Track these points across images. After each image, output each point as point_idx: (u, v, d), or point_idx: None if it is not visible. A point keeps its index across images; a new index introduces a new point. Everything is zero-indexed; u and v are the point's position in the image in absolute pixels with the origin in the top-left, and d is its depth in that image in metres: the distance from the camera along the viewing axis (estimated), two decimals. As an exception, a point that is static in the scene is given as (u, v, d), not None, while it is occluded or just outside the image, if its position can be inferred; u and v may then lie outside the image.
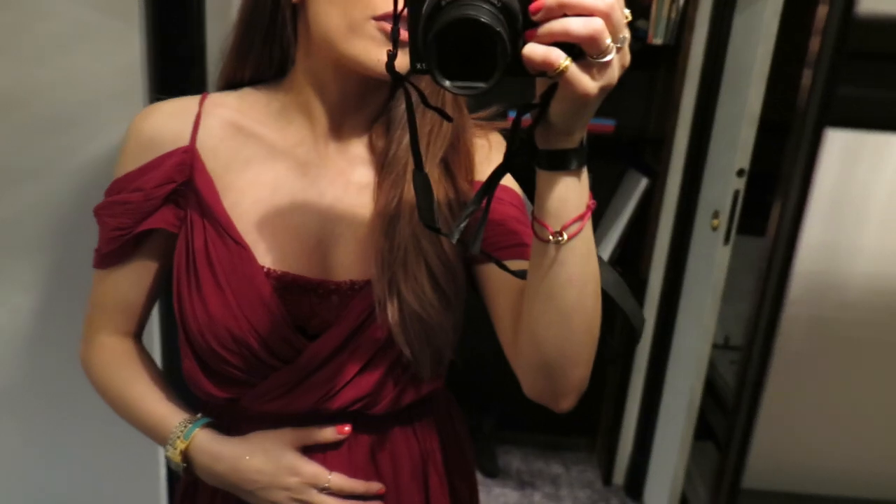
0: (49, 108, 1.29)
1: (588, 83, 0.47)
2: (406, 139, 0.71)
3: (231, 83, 0.78)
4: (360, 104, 0.73)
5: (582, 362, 0.62)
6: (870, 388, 1.59)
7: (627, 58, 0.49)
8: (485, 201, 0.55)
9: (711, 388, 2.22)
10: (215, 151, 0.73)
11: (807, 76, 1.42)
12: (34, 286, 1.26)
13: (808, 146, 1.44)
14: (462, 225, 0.55)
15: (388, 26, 0.63)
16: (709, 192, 1.92)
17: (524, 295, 0.61)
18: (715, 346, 1.95)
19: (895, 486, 1.66)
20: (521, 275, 0.62)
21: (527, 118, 0.53)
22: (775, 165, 2.33)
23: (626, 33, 0.48)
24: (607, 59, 0.46)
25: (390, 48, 0.63)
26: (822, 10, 1.39)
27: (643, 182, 2.09)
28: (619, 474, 2.35)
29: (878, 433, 1.63)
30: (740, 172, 1.74)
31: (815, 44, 1.39)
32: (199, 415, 0.78)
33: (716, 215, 1.82)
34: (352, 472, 0.77)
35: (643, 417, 2.23)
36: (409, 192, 0.70)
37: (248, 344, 0.70)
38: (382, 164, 0.73)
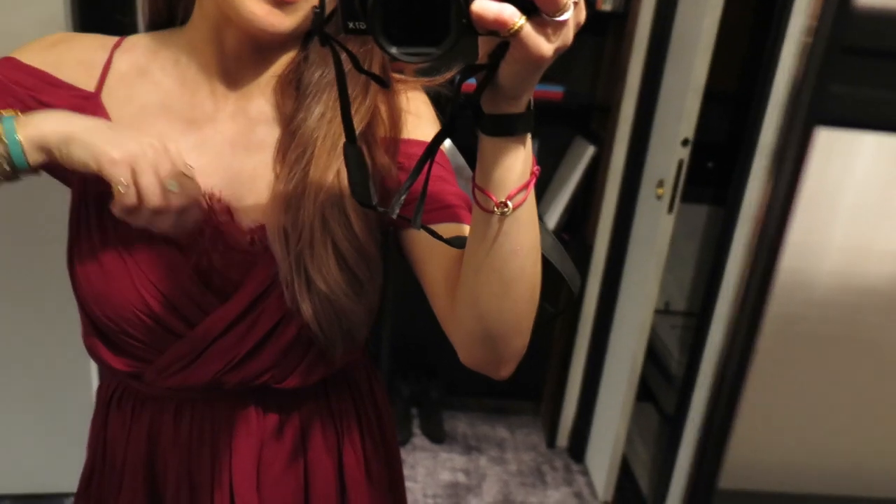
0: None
1: (543, 44, 0.43)
2: (317, 109, 0.66)
3: (154, 21, 0.73)
4: (258, 58, 0.69)
5: (524, 330, 0.60)
6: (835, 386, 1.61)
7: (583, 14, 0.45)
8: (424, 173, 0.50)
9: (652, 351, 2.29)
10: (118, 99, 0.69)
11: (798, 70, 1.33)
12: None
13: (796, 146, 1.36)
14: (401, 199, 0.51)
15: None
16: (654, 161, 1.95)
17: (464, 266, 0.57)
18: (656, 312, 2.00)
19: (852, 482, 1.69)
20: (456, 242, 0.58)
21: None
22: (720, 134, 2.39)
23: None
24: (564, 17, 0.42)
25: (269, 2, 0.60)
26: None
27: (590, 150, 2.10)
28: (563, 437, 2.41)
29: (841, 429, 1.64)
30: (685, 142, 1.76)
31: (806, 35, 1.31)
32: None
33: (660, 184, 1.84)
34: (259, 450, 0.75)
35: (586, 381, 2.28)
36: (318, 166, 0.65)
37: (150, 306, 0.67)
38: (288, 126, 0.68)
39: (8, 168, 0.59)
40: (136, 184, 0.59)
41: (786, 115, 1.36)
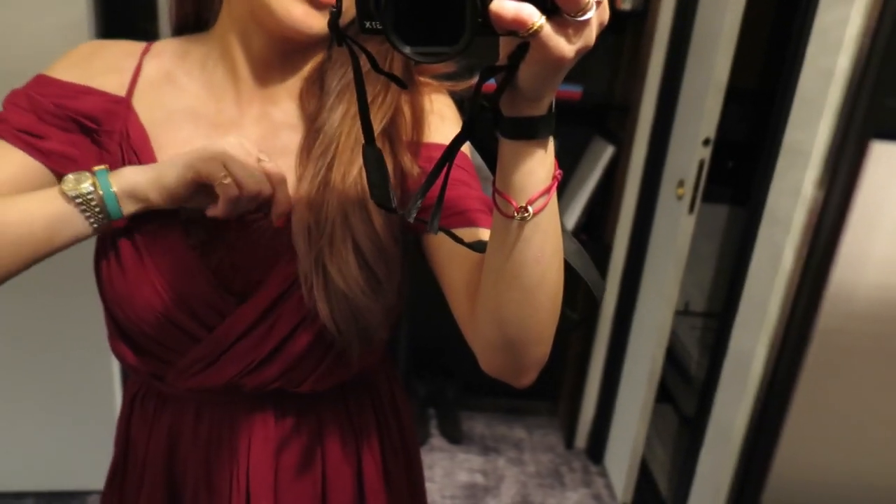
0: (-11, 64, 1.22)
1: (564, 45, 0.41)
2: (341, 107, 0.67)
3: (181, 26, 0.74)
4: (286, 61, 0.69)
5: (545, 339, 0.58)
6: (879, 401, 1.54)
7: (606, 14, 0.43)
8: (442, 177, 0.49)
9: (671, 353, 2.27)
10: (148, 104, 0.70)
11: (853, 81, 1.26)
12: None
13: (850, 160, 1.30)
14: (419, 203, 0.50)
15: None
16: (674, 161, 1.93)
17: (484, 272, 0.56)
18: (675, 312, 1.98)
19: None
20: (477, 247, 0.58)
21: (490, 82, 0.47)
22: (739, 133, 2.36)
23: None
24: (586, 17, 0.40)
25: (304, 1, 0.60)
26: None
27: (609, 150, 2.08)
28: (581, 438, 2.40)
29: (878, 446, 1.58)
30: (706, 142, 1.74)
31: (864, 42, 1.25)
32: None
33: (681, 184, 1.83)
34: (276, 455, 0.75)
35: (605, 382, 2.27)
36: (341, 163, 0.66)
37: (169, 310, 0.67)
38: (312, 125, 0.68)
39: (102, 216, 0.62)
40: (231, 175, 0.62)
41: (839, 125, 1.31)
